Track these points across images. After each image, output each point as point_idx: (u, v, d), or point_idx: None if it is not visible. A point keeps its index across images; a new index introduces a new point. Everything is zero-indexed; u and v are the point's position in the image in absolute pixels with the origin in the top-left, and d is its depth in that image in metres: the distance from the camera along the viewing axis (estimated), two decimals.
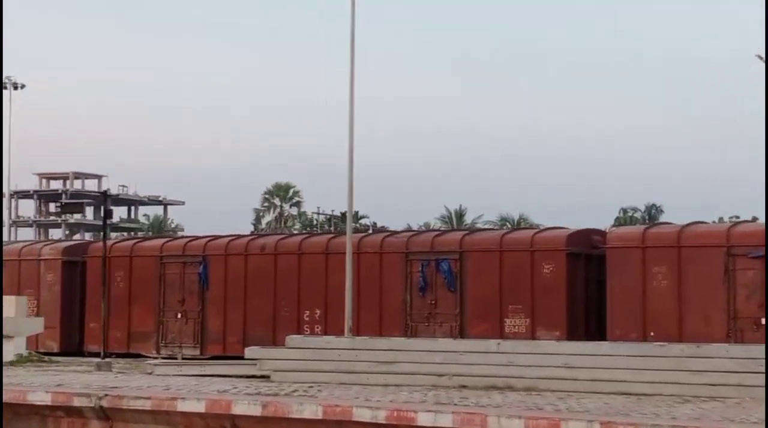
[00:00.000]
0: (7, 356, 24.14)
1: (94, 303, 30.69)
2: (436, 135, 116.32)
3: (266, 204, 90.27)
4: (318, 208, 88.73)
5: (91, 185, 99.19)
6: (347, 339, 19.19)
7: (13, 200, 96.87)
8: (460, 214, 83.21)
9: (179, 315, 29.50)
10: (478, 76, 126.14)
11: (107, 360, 22.62)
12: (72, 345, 31.15)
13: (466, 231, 26.58)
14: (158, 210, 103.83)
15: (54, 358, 25.60)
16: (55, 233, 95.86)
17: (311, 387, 17.28)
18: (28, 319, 25.09)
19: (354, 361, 18.03)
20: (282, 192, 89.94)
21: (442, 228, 66.90)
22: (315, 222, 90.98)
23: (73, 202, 22.45)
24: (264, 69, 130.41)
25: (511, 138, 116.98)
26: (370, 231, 38.29)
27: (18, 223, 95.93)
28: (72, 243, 33.17)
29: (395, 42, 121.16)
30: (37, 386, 17.97)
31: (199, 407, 15.61)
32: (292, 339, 18.98)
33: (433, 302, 25.79)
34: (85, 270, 31.70)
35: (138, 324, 30.08)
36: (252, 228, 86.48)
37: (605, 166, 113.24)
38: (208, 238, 29.96)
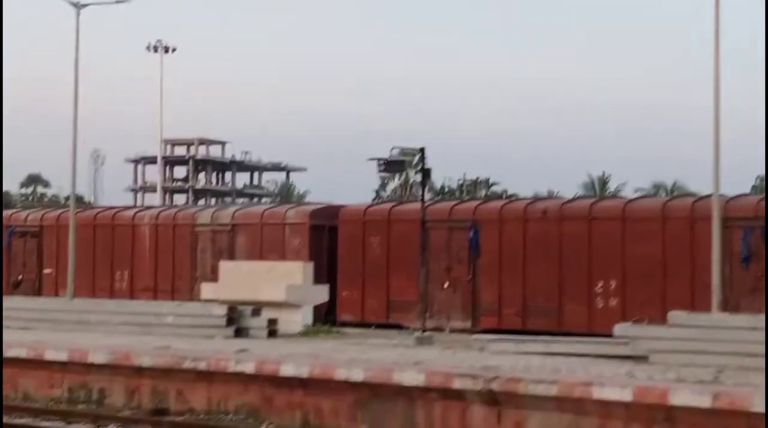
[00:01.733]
0: (295, 327, 22.68)
1: (347, 271, 29.11)
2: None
3: None
4: (464, 173, 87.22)
5: (214, 151, 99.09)
6: (747, 317, 16.86)
7: (140, 166, 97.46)
8: (603, 182, 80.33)
9: (446, 284, 27.61)
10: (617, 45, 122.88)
11: (427, 333, 20.81)
12: (318, 316, 29.62)
13: None
14: (280, 176, 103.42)
15: (342, 330, 23.92)
16: (179, 199, 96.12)
17: (720, 372, 15.11)
18: (315, 287, 23.48)
19: (758, 343, 15.73)
20: (408, 158, 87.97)
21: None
22: (446, 189, 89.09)
23: (397, 160, 20.68)
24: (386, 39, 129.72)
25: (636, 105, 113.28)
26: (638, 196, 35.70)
27: (145, 189, 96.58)
28: (318, 206, 31.57)
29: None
30: (402, 365, 16.19)
31: (625, 395, 13.57)
32: (676, 315, 16.81)
33: (759, 274, 23.29)
34: (332, 235, 30.12)
35: (398, 294, 28.30)
36: (374, 195, 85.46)
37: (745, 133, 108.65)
38: (479, 202, 28.01)
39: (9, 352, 19.49)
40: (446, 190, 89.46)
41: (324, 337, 22.05)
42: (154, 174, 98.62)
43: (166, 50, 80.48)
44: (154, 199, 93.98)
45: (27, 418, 17.63)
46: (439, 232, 27.85)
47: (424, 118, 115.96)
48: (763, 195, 25.78)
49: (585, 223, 25.67)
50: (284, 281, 22.78)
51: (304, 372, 16.25)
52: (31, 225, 35.41)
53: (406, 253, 28.31)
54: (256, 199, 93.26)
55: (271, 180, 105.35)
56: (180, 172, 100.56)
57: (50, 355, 19.01)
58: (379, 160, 20.26)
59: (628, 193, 67.84)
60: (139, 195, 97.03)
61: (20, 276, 35.41)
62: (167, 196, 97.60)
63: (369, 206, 30.33)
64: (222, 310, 21.64)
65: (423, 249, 22.99)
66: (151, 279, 32.73)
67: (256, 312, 22.03)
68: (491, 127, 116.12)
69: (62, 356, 18.87)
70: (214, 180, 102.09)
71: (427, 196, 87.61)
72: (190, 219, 32.36)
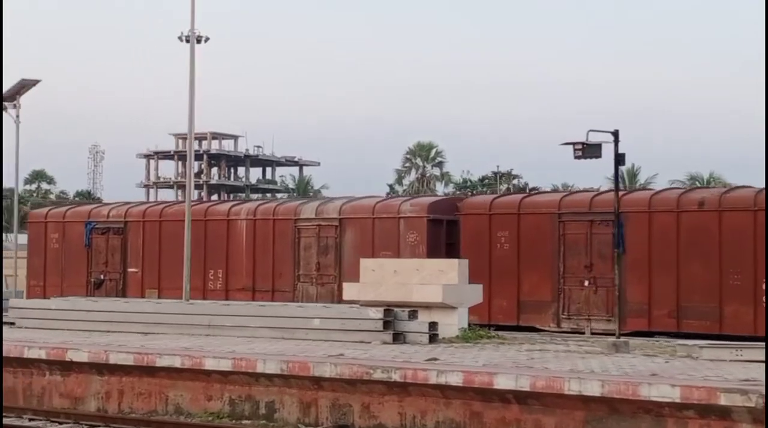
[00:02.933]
0: (451, 331, 20.92)
1: (471, 268, 26.92)
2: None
3: (407, 164, 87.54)
4: (498, 166, 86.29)
5: (226, 146, 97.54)
6: None
7: (152, 161, 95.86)
8: (632, 174, 78.56)
9: (586, 283, 25.89)
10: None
11: (623, 339, 19.09)
12: None
13: None
14: (293, 171, 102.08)
15: (501, 334, 22.19)
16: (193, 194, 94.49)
17: None
18: (470, 287, 21.75)
19: None
20: (425, 151, 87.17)
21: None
22: (468, 182, 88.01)
23: (594, 144, 18.86)
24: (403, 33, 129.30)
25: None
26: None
27: (158, 184, 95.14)
28: (435, 198, 29.92)
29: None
30: (634, 376, 14.48)
31: None
32: None
33: None
34: (450, 230, 28.45)
35: (530, 293, 26.62)
36: (388, 189, 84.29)
37: None
38: (624, 192, 26.22)
39: (160, 361, 17.86)
40: (468, 183, 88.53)
41: (490, 342, 20.33)
42: (165, 169, 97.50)
43: (198, 41, 78.73)
44: (168, 194, 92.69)
45: None
46: (577, 225, 26.13)
47: (435, 113, 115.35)
48: None
49: (749, 215, 23.89)
50: (436, 280, 21.07)
51: (524, 384, 14.55)
52: (115, 221, 33.78)
53: (538, 249, 26.65)
54: (269, 195, 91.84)
55: (287, 174, 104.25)
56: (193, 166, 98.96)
57: (210, 364, 17.34)
58: (575, 143, 18.46)
59: (663, 186, 66.43)
60: (152, 191, 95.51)
61: (102, 276, 33.84)
62: (180, 192, 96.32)
63: (496, 197, 28.59)
64: (379, 313, 19.94)
65: (619, 242, 21.19)
66: (248, 278, 31.08)
67: (413, 314, 20.34)
68: (505, 123, 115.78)
69: (225, 365, 17.20)
70: (227, 175, 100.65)
71: (449, 190, 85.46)
72: (292, 214, 30.67)
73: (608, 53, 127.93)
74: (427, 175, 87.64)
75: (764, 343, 18.10)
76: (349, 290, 22.09)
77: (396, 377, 15.63)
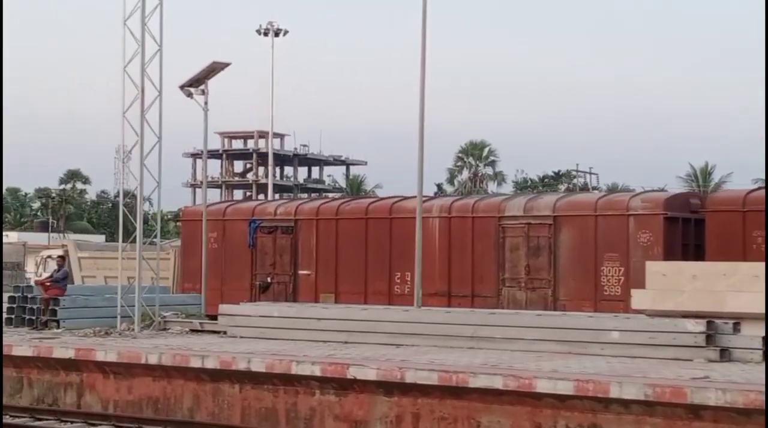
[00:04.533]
0: None
1: None
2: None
3: (459, 163, 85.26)
4: (577, 164, 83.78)
5: (273, 144, 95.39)
6: None
7: (200, 160, 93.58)
8: (706, 173, 75.34)
9: None
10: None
11: None
12: None
13: None
14: (340, 169, 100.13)
15: None
16: (238, 194, 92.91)
17: None
18: None
19: None
20: (477, 150, 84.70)
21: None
22: (529, 181, 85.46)
23: None
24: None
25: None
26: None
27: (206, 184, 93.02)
28: (670, 193, 27.09)
29: None
30: None
31: None
32: None
33: None
34: (686, 229, 25.60)
35: None
36: (436, 188, 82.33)
37: None
38: None
39: (475, 381, 15.18)
40: (528, 182, 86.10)
41: None
42: (213, 168, 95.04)
43: (277, 34, 76.96)
44: (214, 194, 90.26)
45: None
46: None
47: (484, 112, 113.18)
48: None
49: None
50: (749, 287, 18.21)
51: None
52: (283, 219, 31.20)
53: None
54: (315, 194, 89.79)
55: (334, 174, 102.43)
56: (239, 166, 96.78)
57: (543, 386, 14.65)
58: None
59: (745, 184, 63.15)
60: (199, 190, 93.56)
61: (269, 279, 31.30)
62: (227, 191, 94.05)
63: (749, 192, 25.57)
64: (700, 326, 17.13)
65: None
66: (442, 282, 28.30)
67: (736, 327, 17.53)
68: (551, 123, 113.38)
69: (564, 388, 14.49)
70: (275, 174, 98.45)
71: (507, 190, 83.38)
72: (495, 211, 27.85)
73: (666, 52, 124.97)
74: (480, 174, 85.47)
75: None
76: (640, 298, 19.28)
77: None
